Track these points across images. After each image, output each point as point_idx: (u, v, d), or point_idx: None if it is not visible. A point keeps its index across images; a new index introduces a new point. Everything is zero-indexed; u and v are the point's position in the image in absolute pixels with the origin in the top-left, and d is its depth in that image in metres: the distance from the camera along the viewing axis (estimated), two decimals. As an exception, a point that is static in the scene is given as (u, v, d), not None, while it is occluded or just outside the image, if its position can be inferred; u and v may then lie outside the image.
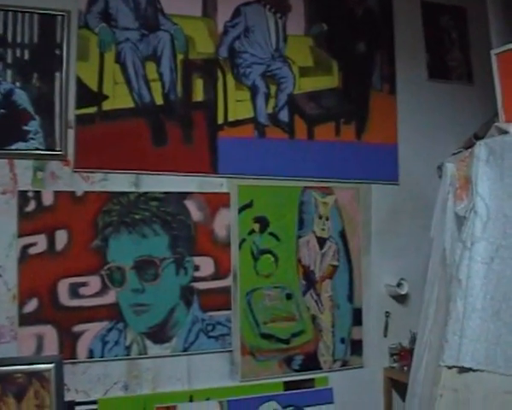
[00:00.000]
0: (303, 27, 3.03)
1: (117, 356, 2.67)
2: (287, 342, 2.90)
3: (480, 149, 2.34)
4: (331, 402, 2.96)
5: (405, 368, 2.97)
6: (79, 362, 2.63)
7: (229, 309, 2.81)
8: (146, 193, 2.70)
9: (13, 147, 2.57)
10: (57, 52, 2.65)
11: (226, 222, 2.81)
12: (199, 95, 2.81)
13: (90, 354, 2.63)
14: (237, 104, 2.87)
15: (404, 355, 3.03)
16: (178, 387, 2.76)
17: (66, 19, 2.68)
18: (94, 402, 2.64)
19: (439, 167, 2.79)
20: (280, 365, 2.90)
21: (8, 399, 2.48)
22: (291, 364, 2.91)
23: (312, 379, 2.96)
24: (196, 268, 2.76)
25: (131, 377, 2.68)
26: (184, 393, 2.75)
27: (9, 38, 2.61)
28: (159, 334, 2.71)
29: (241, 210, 2.83)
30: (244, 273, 2.84)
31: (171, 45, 2.79)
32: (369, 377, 3.07)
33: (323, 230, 2.96)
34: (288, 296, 2.90)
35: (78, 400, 2.62)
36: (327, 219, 2.98)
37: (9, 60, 2.61)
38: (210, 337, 2.77)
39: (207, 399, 2.76)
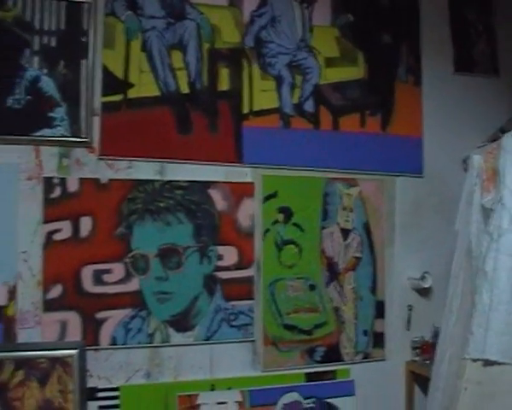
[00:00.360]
0: (329, 18, 2.97)
1: (140, 344, 2.61)
2: (309, 333, 2.84)
3: (508, 140, 2.28)
4: (352, 394, 2.90)
5: (427, 362, 2.89)
6: (102, 349, 2.59)
7: (252, 299, 2.76)
8: (170, 181, 2.65)
9: (39, 133, 2.53)
10: (83, 40, 2.61)
11: (250, 212, 2.76)
12: (224, 84, 2.76)
13: (113, 341, 2.59)
14: (262, 94, 2.82)
15: (426, 349, 2.97)
16: (200, 376, 2.72)
17: (93, 6, 2.63)
18: (116, 389, 2.61)
19: (465, 160, 2.73)
20: (302, 356, 2.84)
21: (31, 383, 2.47)
22: (313, 355, 2.86)
23: (334, 371, 2.91)
24: (220, 257, 2.71)
25: (153, 364, 2.64)
26: (206, 382, 2.71)
27: (37, 25, 2.57)
28: (181, 322, 2.66)
29: (265, 200, 2.78)
30: (267, 263, 2.78)
31: (197, 34, 2.74)
32: (390, 370, 3.01)
33: (347, 221, 2.90)
34: (311, 287, 2.84)
35: (100, 386, 2.59)
36: (351, 211, 2.91)
37: (36, 47, 2.57)
38: (232, 327, 2.72)
39: (229, 388, 2.72)
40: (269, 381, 2.78)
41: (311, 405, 2.83)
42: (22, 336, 2.50)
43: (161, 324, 2.63)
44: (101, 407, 2.58)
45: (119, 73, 2.64)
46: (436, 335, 2.82)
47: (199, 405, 2.65)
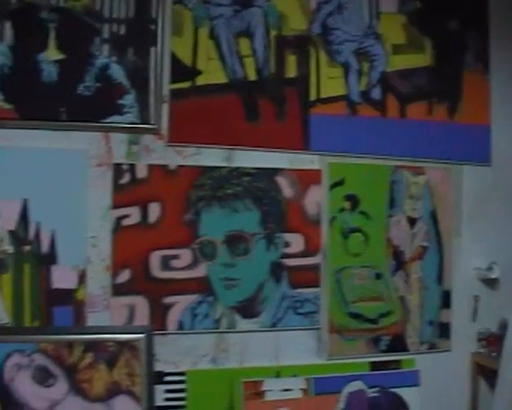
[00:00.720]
0: (396, 5, 2.89)
1: (206, 329, 2.58)
2: (374, 322, 2.78)
3: None
4: (417, 385, 2.82)
5: (494, 354, 2.79)
6: (169, 333, 2.57)
7: (318, 287, 2.70)
8: (238, 168, 2.61)
9: (109, 120, 2.52)
10: (152, 27, 2.58)
11: (317, 199, 2.70)
12: (291, 71, 2.70)
13: (180, 326, 2.57)
14: (329, 81, 2.75)
15: (492, 341, 2.88)
16: (265, 362, 2.67)
17: (162, -6, 2.56)
18: (182, 374, 2.58)
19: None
20: (367, 344, 2.78)
21: (100, 366, 2.47)
22: (378, 344, 2.79)
23: (399, 361, 2.84)
24: (286, 244, 2.66)
25: (219, 350, 2.61)
26: (271, 368, 2.67)
27: (106, 14, 2.56)
28: (247, 309, 2.62)
29: (331, 187, 2.72)
30: (333, 251, 2.72)
31: (264, 21, 2.68)
32: (455, 361, 2.93)
33: (414, 210, 2.82)
34: (377, 276, 2.77)
35: (166, 370, 2.57)
36: (418, 200, 2.81)
37: (106, 35, 2.56)
38: (298, 314, 2.67)
39: (294, 375, 2.67)
40: (333, 369, 2.73)
41: (376, 394, 2.74)
42: (91, 320, 2.51)
43: (227, 310, 2.59)
44: (167, 390, 2.55)
45: (188, 61, 2.60)
46: (503, 327, 2.73)
47: (264, 391, 2.60)
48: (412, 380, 2.83)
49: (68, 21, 2.52)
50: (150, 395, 2.48)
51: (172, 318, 2.56)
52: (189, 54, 2.62)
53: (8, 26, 2.49)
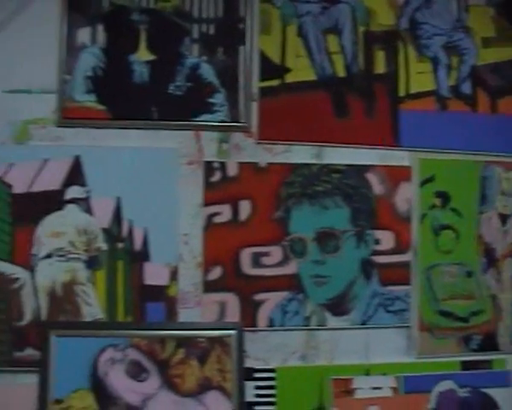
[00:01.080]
0: (485, -3, 2.75)
1: (296, 326, 2.53)
2: (465, 320, 2.68)
3: None
4: (508, 386, 2.70)
5: None
6: (259, 330, 2.53)
7: (409, 284, 2.61)
8: (328, 165, 2.56)
9: (199, 119, 2.50)
10: (241, 26, 2.55)
11: (407, 196, 2.62)
12: (380, 67, 2.63)
13: (270, 323, 2.53)
14: (418, 76, 2.67)
15: None
16: (355, 360, 2.60)
17: (249, -7, 2.53)
18: (272, 370, 2.54)
19: None
20: (458, 343, 2.68)
21: (191, 361, 2.45)
22: (469, 343, 2.69)
23: (490, 361, 2.72)
24: (377, 242, 2.58)
25: (309, 347, 2.56)
26: (361, 366, 2.60)
27: (195, 14, 2.55)
28: (338, 306, 2.57)
29: (422, 184, 2.63)
30: (424, 248, 2.64)
31: (352, 17, 2.61)
32: (548, 362, 2.77)
33: (506, 206, 2.72)
34: (468, 274, 2.67)
35: (256, 367, 2.53)
36: (510, 196, 2.71)
37: (195, 35, 2.55)
38: (388, 312, 2.59)
39: (384, 374, 2.59)
40: (424, 368, 2.64)
41: (467, 394, 2.64)
42: (183, 316, 2.49)
43: (318, 307, 2.54)
44: (257, 386, 2.50)
45: (276, 59, 2.56)
46: None
47: (354, 389, 2.55)
48: (503, 381, 2.71)
49: (159, 22, 2.52)
50: (241, 391, 2.45)
51: (263, 315, 2.52)
52: (277, 52, 2.58)
53: (100, 28, 2.51)
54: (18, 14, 2.52)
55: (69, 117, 2.49)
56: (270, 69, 2.56)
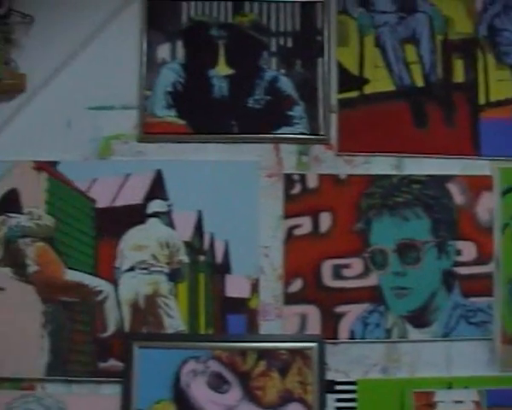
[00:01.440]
0: None
1: (377, 338, 2.51)
2: (550, 332, 2.59)
3: None
4: None
5: None
6: (340, 342, 2.50)
7: (491, 296, 2.56)
8: (408, 176, 2.53)
9: (279, 132, 2.51)
10: (318, 38, 2.55)
11: (489, 206, 2.57)
12: (459, 75, 2.60)
13: (351, 335, 2.51)
14: (498, 84, 2.63)
15: None
16: (437, 373, 2.55)
17: (326, 5, 2.56)
18: (353, 383, 2.51)
19: None
20: (542, 356, 2.59)
21: (272, 374, 2.45)
22: (553, 356, 2.60)
23: None
24: (458, 253, 2.54)
25: (390, 360, 2.53)
26: (443, 379, 2.55)
27: (273, 28, 2.56)
28: (419, 318, 2.53)
29: (504, 194, 2.57)
30: (507, 259, 2.59)
31: (429, 26, 2.58)
32: None
33: None
34: (553, 285, 2.59)
35: (337, 379, 2.50)
36: None
37: (273, 48, 2.56)
38: (470, 324, 2.54)
39: (466, 387, 2.53)
40: (507, 381, 2.58)
41: (552, 410, 2.57)
42: (264, 328, 2.49)
43: (399, 319, 2.51)
44: (338, 399, 2.49)
45: (354, 70, 2.56)
46: None
47: (436, 402, 2.50)
48: None
49: (237, 37, 2.54)
50: (322, 404, 2.44)
51: (344, 327, 2.50)
52: (355, 63, 2.57)
53: (179, 44, 2.54)
54: (99, 32, 2.55)
55: (150, 132, 2.51)
56: (349, 80, 2.56)
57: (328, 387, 2.50)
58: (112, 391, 2.47)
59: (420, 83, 2.58)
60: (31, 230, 2.50)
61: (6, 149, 2.57)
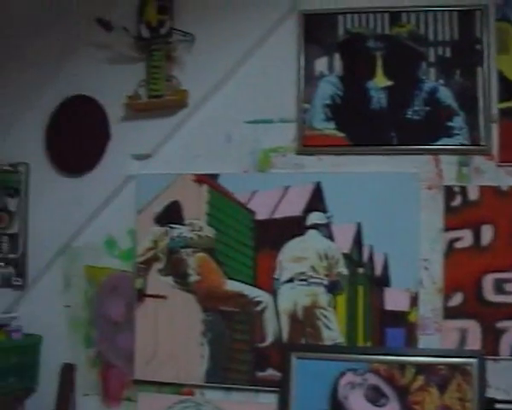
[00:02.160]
0: None
1: (542, 355, 2.39)
2: None
3: None
4: None
5: None
6: (501, 359, 2.42)
7: None
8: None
9: (438, 143, 2.46)
10: (477, 47, 2.48)
11: None
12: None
13: (513, 352, 2.38)
14: None
15: None
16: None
17: (484, 13, 2.49)
18: (513, 402, 2.39)
19: None
20: None
21: (431, 389, 2.39)
22: None
23: None
24: None
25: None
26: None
27: (431, 38, 2.52)
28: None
29: None
30: None
31: None
32: None
33: None
34: None
35: (498, 398, 2.40)
36: None
37: (432, 58, 2.52)
38: None
39: None
40: None
41: None
42: (422, 342, 2.45)
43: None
44: (498, 417, 2.38)
45: (515, 79, 2.44)
46: None
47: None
48: None
49: (394, 48, 2.52)
50: (483, 421, 2.34)
51: (505, 343, 2.42)
52: (516, 71, 2.44)
53: (337, 57, 2.55)
54: (257, 47, 2.59)
55: (309, 145, 2.53)
56: (510, 89, 2.48)
57: (488, 405, 2.40)
58: (269, 400, 2.50)
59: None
60: (192, 241, 2.56)
61: (169, 163, 2.64)
